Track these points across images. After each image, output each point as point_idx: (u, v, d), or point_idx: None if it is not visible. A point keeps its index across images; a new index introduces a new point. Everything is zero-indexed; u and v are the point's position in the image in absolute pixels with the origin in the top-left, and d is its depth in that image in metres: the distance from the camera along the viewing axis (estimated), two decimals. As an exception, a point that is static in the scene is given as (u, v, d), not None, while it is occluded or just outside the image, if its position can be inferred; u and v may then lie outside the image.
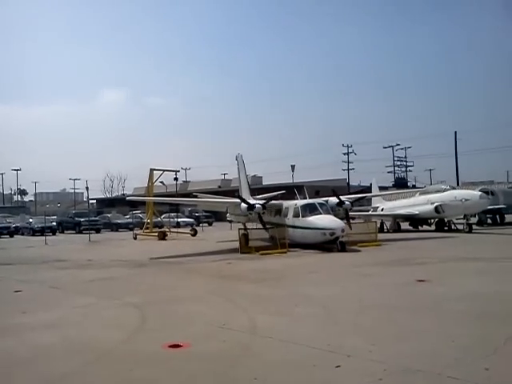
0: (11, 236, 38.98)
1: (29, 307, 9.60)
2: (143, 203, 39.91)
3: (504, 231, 26.64)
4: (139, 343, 6.80)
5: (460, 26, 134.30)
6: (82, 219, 42.67)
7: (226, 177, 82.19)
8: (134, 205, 54.12)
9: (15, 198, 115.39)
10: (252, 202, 22.02)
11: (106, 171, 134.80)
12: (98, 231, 41.79)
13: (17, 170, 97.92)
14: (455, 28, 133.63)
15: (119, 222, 48.41)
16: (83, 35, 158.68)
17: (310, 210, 20.74)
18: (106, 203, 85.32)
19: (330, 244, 19.39)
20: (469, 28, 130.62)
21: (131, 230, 39.03)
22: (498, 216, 33.90)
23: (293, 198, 24.91)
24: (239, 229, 22.19)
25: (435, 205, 28.16)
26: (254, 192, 29.91)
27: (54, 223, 43.38)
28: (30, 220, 44.48)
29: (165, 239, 31.85)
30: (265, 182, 71.85)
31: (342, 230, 19.32)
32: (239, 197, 22.91)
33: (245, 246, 20.41)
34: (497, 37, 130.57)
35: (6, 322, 8.37)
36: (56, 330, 7.66)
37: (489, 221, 33.41)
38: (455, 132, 64.26)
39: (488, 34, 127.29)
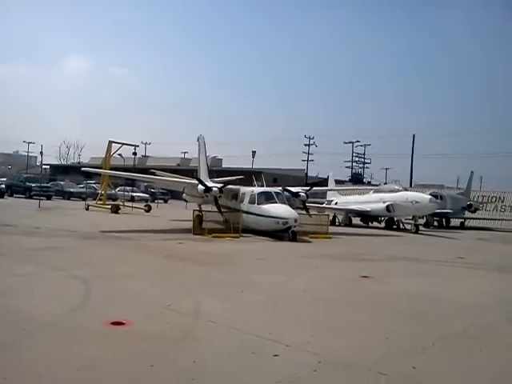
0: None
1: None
2: (98, 174, 39.03)
3: (448, 234, 27.78)
4: (80, 318, 6.73)
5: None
6: (33, 184, 41.39)
7: (186, 155, 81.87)
8: (89, 175, 52.81)
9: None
10: (210, 184, 21.99)
11: (63, 138, 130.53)
12: (49, 198, 40.66)
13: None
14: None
15: (72, 190, 47.23)
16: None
17: (266, 197, 20.95)
18: (60, 170, 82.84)
19: (282, 233, 19.69)
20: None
21: (84, 200, 38.19)
22: (444, 219, 35.41)
23: (251, 183, 25.02)
24: (194, 210, 22.13)
25: (387, 204, 28.99)
26: (213, 174, 29.86)
27: (3, 185, 41.87)
28: (-23, 181, 42.75)
29: (117, 213, 31.36)
30: (224, 165, 71.74)
31: (295, 220, 19.61)
32: (197, 178, 22.88)
33: (198, 227, 20.39)
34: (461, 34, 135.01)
35: None
36: (-5, 298, 7.47)
37: (435, 223, 34.77)
38: (413, 135, 67.19)
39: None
